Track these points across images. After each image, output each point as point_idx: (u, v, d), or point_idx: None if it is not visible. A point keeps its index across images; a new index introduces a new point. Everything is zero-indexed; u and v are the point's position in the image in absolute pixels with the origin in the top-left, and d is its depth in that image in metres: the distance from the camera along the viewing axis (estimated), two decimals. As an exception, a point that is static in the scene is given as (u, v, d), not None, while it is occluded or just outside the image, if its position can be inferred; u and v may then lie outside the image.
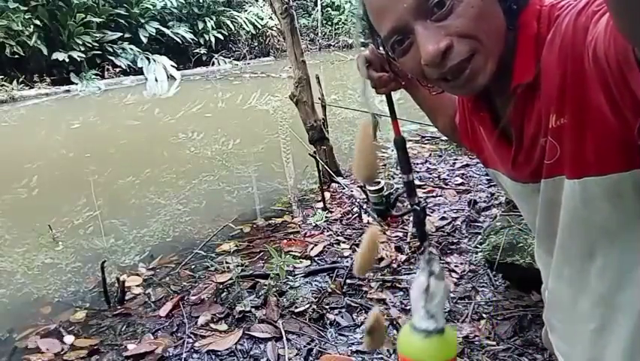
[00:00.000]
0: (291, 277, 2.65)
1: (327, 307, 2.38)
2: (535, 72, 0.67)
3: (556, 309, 0.86)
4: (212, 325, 2.31)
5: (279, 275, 2.53)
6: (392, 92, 1.02)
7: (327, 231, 3.25)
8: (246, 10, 14.68)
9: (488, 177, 4.07)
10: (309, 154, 3.85)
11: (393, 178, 4.17)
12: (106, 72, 11.24)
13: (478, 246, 2.77)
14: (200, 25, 13.26)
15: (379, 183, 1.14)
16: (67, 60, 10.43)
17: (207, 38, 13.27)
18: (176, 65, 12.30)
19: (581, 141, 0.64)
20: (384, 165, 4.61)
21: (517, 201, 0.88)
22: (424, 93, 1.01)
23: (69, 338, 2.32)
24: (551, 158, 0.70)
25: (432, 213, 3.44)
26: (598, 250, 0.71)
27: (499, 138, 0.79)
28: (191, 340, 2.22)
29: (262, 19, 14.61)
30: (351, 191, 3.86)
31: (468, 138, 0.94)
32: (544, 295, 0.91)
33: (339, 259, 2.86)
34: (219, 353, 2.11)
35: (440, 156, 4.83)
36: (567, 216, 0.72)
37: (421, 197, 3.74)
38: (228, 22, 13.77)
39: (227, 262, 2.81)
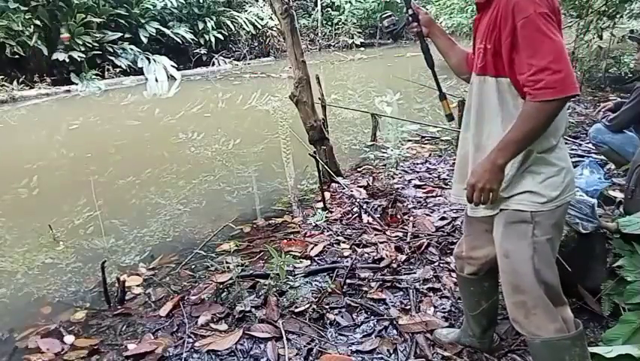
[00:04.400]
0: (291, 277, 2.65)
1: (327, 307, 2.38)
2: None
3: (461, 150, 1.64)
4: (212, 325, 2.31)
5: (279, 275, 2.53)
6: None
7: (327, 231, 3.25)
8: (246, 11, 14.67)
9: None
10: (309, 154, 3.85)
11: (393, 178, 4.18)
12: (106, 72, 11.22)
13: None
14: (201, 26, 13.25)
15: None
16: (67, 60, 10.43)
17: (207, 38, 13.26)
18: (176, 65, 12.30)
19: (494, 59, 1.41)
20: (385, 165, 4.61)
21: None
22: (441, 40, 1.76)
23: (69, 338, 2.32)
24: (481, 63, 1.46)
25: (432, 213, 3.45)
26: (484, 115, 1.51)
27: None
28: (191, 340, 2.22)
29: (262, 19, 14.59)
30: (351, 191, 3.86)
31: None
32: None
33: (339, 259, 2.86)
34: (219, 353, 2.11)
35: (440, 156, 4.83)
36: (484, 98, 1.49)
37: (420, 197, 3.75)
38: (228, 23, 13.76)
39: (227, 262, 2.80)
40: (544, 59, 1.28)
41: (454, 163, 4.76)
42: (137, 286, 2.81)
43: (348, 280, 2.58)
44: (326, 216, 3.46)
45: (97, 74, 10.98)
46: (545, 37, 1.29)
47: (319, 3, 16.38)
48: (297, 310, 2.36)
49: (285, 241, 3.16)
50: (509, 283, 1.53)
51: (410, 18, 1.75)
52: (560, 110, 1.33)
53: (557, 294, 1.52)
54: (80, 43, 10.65)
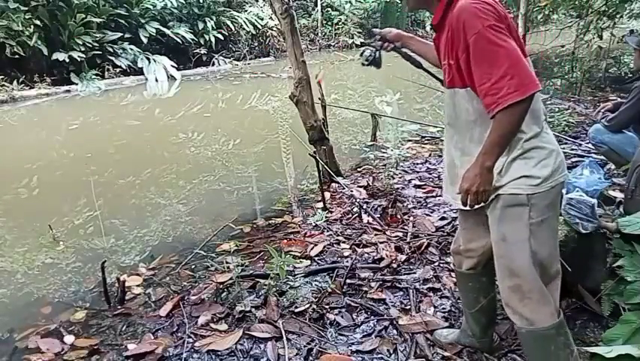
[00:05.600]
0: (291, 277, 2.65)
1: (327, 307, 2.38)
2: (439, 21, 1.55)
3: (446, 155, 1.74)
4: (212, 325, 2.31)
5: (279, 275, 2.53)
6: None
7: (327, 231, 3.25)
8: (246, 11, 14.66)
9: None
10: (309, 154, 3.86)
11: (393, 178, 4.18)
12: (106, 72, 11.22)
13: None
14: (201, 26, 13.25)
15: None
16: (67, 60, 10.42)
17: (207, 38, 13.25)
18: (176, 65, 12.30)
19: (459, 72, 1.50)
20: (385, 165, 4.61)
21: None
22: (415, 45, 1.95)
23: (69, 338, 2.32)
24: (449, 77, 1.56)
25: (432, 213, 3.45)
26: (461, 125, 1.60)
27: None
28: (191, 340, 2.22)
29: (262, 19, 14.59)
30: (351, 191, 3.86)
31: None
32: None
33: (339, 259, 2.86)
34: (219, 352, 2.11)
35: (440, 156, 4.83)
36: (459, 107, 1.57)
37: (420, 197, 3.75)
38: (228, 23, 13.75)
39: (227, 262, 2.80)
40: (501, 67, 1.36)
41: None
42: (137, 286, 2.81)
43: (348, 280, 2.58)
44: (326, 216, 3.46)
45: (97, 74, 10.98)
46: (498, 47, 1.37)
47: (319, 3, 16.38)
48: (297, 310, 2.36)
49: (285, 241, 3.16)
50: (505, 267, 1.57)
51: (380, 42, 1.97)
52: (528, 108, 1.40)
53: (549, 272, 1.56)
54: (80, 43, 10.65)
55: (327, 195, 3.86)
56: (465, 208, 1.61)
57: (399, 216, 3.37)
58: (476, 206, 1.55)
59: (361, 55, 2.00)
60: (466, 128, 1.57)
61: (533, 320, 1.53)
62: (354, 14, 16.64)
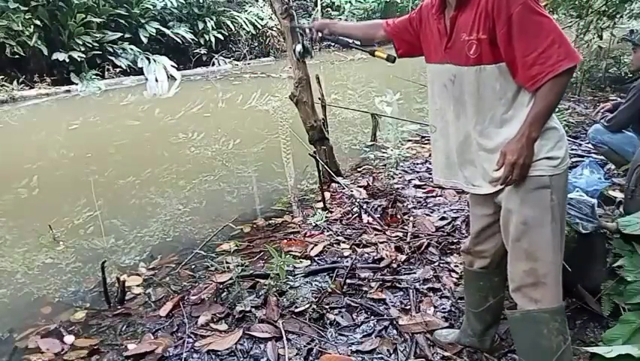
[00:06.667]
0: (291, 277, 2.65)
1: (327, 307, 2.38)
2: None
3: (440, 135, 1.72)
4: (212, 325, 2.31)
5: (279, 275, 2.53)
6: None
7: (327, 231, 3.25)
8: (246, 11, 14.66)
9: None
10: (309, 154, 3.86)
11: (393, 178, 4.18)
12: (106, 72, 11.22)
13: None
14: (201, 26, 13.24)
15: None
16: (67, 60, 10.41)
17: (207, 38, 13.25)
18: (176, 65, 12.30)
19: (492, 47, 1.46)
20: (385, 165, 4.61)
21: (434, 78, 1.68)
22: (343, 29, 2.02)
23: (69, 338, 2.32)
24: (475, 54, 1.49)
25: (432, 213, 3.45)
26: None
27: (441, 32, 1.59)
28: (191, 340, 2.22)
29: (262, 19, 14.58)
30: (351, 191, 3.86)
31: (420, 35, 1.74)
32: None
33: (339, 259, 2.86)
34: (219, 353, 2.11)
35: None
36: (483, 86, 1.52)
37: (420, 197, 3.75)
38: (228, 23, 13.75)
39: (227, 262, 2.80)
40: (548, 36, 1.39)
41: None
42: (137, 286, 2.81)
43: (348, 280, 2.58)
44: (326, 216, 3.46)
45: (97, 74, 10.97)
46: (543, 17, 1.41)
47: (319, 3, 16.37)
48: (297, 310, 2.36)
49: (285, 241, 3.16)
50: (523, 251, 1.54)
51: (307, 35, 2.14)
52: (571, 76, 1.45)
53: (561, 255, 1.56)
54: (80, 43, 10.64)
55: (327, 195, 3.86)
56: (481, 193, 1.62)
57: (399, 216, 3.37)
58: (510, 185, 1.53)
59: (294, 52, 2.25)
60: (489, 107, 1.53)
61: (544, 301, 1.52)
62: (354, 14, 16.64)
